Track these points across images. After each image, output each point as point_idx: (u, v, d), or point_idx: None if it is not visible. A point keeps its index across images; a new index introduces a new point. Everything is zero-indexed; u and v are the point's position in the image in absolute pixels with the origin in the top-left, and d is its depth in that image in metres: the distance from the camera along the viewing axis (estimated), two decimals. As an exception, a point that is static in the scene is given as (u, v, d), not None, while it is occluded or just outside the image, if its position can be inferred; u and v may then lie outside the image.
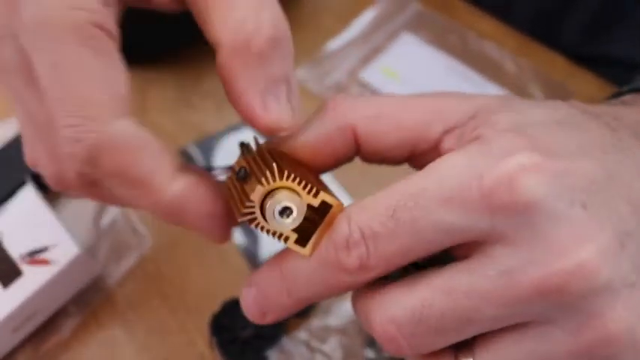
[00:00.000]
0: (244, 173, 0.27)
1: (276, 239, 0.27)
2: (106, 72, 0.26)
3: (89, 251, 0.45)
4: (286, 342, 0.43)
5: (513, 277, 0.25)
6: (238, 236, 0.48)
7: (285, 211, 0.26)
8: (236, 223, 0.29)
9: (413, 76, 0.57)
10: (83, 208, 0.49)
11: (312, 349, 0.43)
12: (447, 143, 0.29)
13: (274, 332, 0.43)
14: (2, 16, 0.28)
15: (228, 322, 0.44)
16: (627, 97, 0.36)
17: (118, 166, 0.26)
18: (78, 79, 0.26)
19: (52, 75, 0.26)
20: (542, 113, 0.28)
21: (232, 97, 0.27)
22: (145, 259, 0.47)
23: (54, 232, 0.43)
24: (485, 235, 0.25)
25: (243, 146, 0.30)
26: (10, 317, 0.41)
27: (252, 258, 0.47)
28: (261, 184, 0.25)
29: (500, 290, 0.25)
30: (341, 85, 0.56)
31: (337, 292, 0.28)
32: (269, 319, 0.29)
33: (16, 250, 0.43)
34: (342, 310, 0.44)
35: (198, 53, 0.55)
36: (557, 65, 0.58)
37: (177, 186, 0.26)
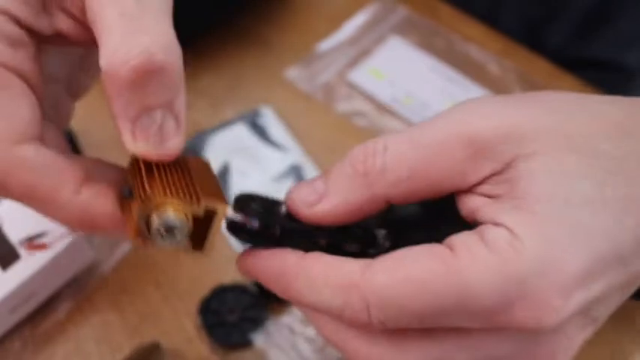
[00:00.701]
0: (128, 192, 0.27)
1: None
2: (5, 104, 0.27)
3: (84, 238, 0.47)
4: (270, 325, 0.45)
5: None
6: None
7: (171, 230, 0.25)
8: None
9: (400, 77, 0.59)
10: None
11: (294, 333, 0.45)
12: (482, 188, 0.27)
13: (259, 316, 0.45)
14: None
15: (216, 307, 0.46)
16: None
17: (24, 186, 0.27)
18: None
19: None
20: (589, 175, 0.26)
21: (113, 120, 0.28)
22: (137, 248, 0.49)
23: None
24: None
25: (132, 160, 0.29)
26: (8, 298, 0.43)
27: (240, 246, 0.49)
28: (138, 202, 0.25)
29: None
30: (330, 85, 0.58)
31: None
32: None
33: (15, 235, 0.45)
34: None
35: (193, 53, 0.57)
36: (540, 68, 0.60)
37: (80, 199, 0.27)
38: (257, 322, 0.45)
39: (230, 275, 0.47)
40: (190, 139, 0.54)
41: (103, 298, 0.47)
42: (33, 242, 0.45)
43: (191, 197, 0.26)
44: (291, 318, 0.45)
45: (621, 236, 0.26)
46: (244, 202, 0.28)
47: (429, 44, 0.61)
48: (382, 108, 0.57)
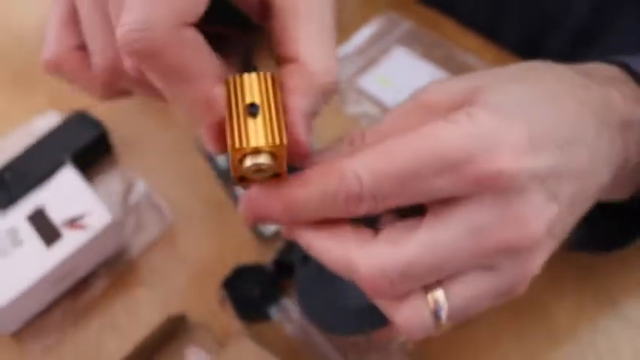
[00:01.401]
0: (255, 110, 0.30)
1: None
2: None
3: (119, 222, 0.52)
4: (286, 301, 0.50)
5: (482, 233, 0.31)
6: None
7: (259, 170, 0.30)
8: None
9: (404, 84, 0.65)
10: (113, 188, 0.56)
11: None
12: None
13: (276, 293, 0.50)
14: None
15: (237, 284, 0.50)
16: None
17: (176, 63, 0.29)
18: None
19: None
20: (526, 91, 0.33)
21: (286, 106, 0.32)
22: (165, 232, 0.54)
23: (90, 203, 0.50)
24: (463, 197, 0.31)
25: (247, 57, 0.33)
26: (51, 272, 0.48)
27: (258, 231, 0.53)
28: (267, 139, 0.29)
29: (472, 245, 0.32)
30: (341, 90, 0.64)
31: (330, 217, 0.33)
32: (258, 224, 0.35)
33: (57, 217, 0.50)
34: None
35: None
36: (532, 76, 0.65)
37: (214, 92, 0.30)
38: (274, 299, 0.50)
39: (249, 256, 0.52)
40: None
41: (133, 276, 0.52)
42: (74, 223, 0.50)
43: (272, 133, 0.29)
44: (304, 294, 0.50)
45: (560, 120, 0.33)
46: None
47: (430, 54, 0.67)
48: (388, 110, 0.62)
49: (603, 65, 0.42)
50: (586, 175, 0.34)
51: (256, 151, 0.29)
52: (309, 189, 0.32)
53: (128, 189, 0.56)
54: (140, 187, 0.56)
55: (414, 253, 0.31)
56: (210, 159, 0.57)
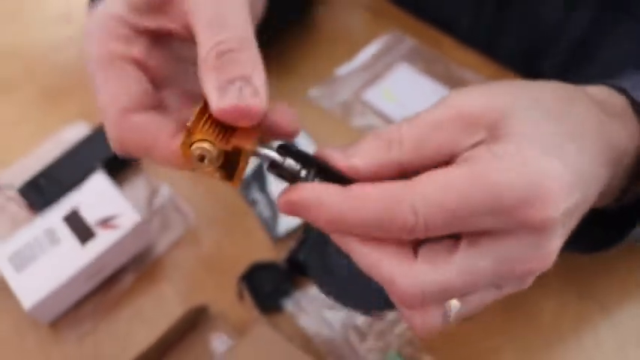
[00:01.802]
0: (188, 124, 0.34)
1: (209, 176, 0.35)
2: (121, 84, 0.37)
3: (146, 223, 0.57)
4: (298, 295, 0.55)
5: (514, 263, 0.35)
6: (263, 210, 0.60)
7: (202, 158, 0.33)
8: None
9: (406, 97, 0.70)
10: (139, 193, 0.61)
11: (318, 301, 0.55)
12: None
13: (289, 288, 0.55)
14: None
15: (253, 279, 0.55)
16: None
17: (136, 143, 0.36)
18: (101, 87, 0.37)
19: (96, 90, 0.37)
20: (557, 128, 0.36)
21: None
22: (188, 232, 0.59)
23: (120, 205, 0.56)
24: (503, 231, 0.34)
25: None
26: (85, 268, 0.53)
27: (271, 231, 0.59)
28: (186, 136, 0.33)
29: (502, 271, 0.35)
30: (347, 103, 0.69)
31: None
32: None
33: (90, 218, 0.55)
34: (343, 273, 0.56)
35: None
36: (526, 91, 0.70)
37: (174, 144, 0.35)
38: (286, 293, 0.55)
39: (264, 255, 0.57)
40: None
41: (158, 272, 0.57)
42: (106, 223, 0.55)
43: (223, 137, 0.33)
44: (315, 289, 0.55)
45: (584, 161, 0.36)
46: (285, 148, 0.35)
47: (431, 70, 0.72)
48: (391, 123, 0.67)
49: (610, 94, 0.45)
50: (589, 204, 0.38)
51: (191, 146, 0.33)
52: (367, 212, 0.33)
53: (153, 194, 0.61)
54: (164, 191, 0.61)
55: (451, 277, 0.34)
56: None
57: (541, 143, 0.34)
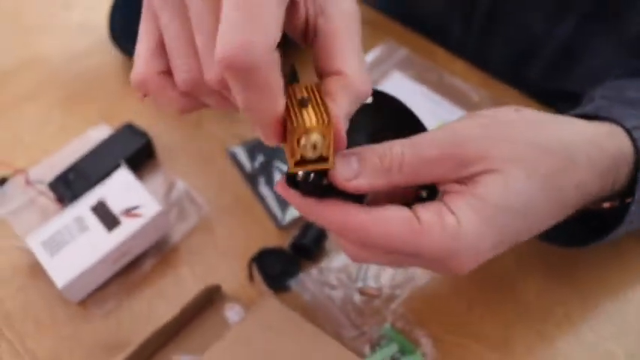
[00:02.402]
0: (306, 102, 0.37)
1: (286, 152, 0.38)
2: (281, 12, 0.34)
3: (165, 212, 0.63)
4: (303, 276, 0.61)
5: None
6: (270, 202, 0.66)
7: (314, 147, 0.37)
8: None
9: (400, 102, 0.76)
10: (157, 187, 0.68)
11: (320, 280, 0.61)
12: None
13: (294, 270, 0.61)
14: None
15: (262, 263, 0.62)
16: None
17: (265, 78, 0.34)
18: (265, 6, 0.33)
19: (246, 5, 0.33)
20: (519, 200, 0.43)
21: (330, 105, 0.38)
22: (202, 221, 0.66)
23: (142, 196, 0.62)
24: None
25: (293, 73, 0.41)
26: (112, 252, 0.60)
27: (277, 221, 0.65)
28: (318, 121, 0.36)
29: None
30: (346, 107, 0.75)
31: None
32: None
33: (116, 208, 0.62)
34: (342, 257, 0.62)
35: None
36: (510, 95, 0.76)
37: (282, 101, 0.36)
38: (292, 274, 0.61)
39: (271, 241, 0.64)
40: (242, 144, 0.71)
41: (176, 257, 0.64)
42: (130, 212, 0.61)
43: (327, 121, 0.36)
44: (316, 270, 0.61)
45: (520, 231, 0.44)
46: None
47: (423, 78, 0.78)
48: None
49: (617, 142, 0.50)
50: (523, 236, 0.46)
51: (309, 132, 0.37)
52: (387, 239, 0.42)
53: (170, 187, 0.67)
54: (180, 185, 0.67)
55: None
56: (238, 163, 0.69)
57: (490, 218, 0.42)
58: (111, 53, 0.80)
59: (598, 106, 0.55)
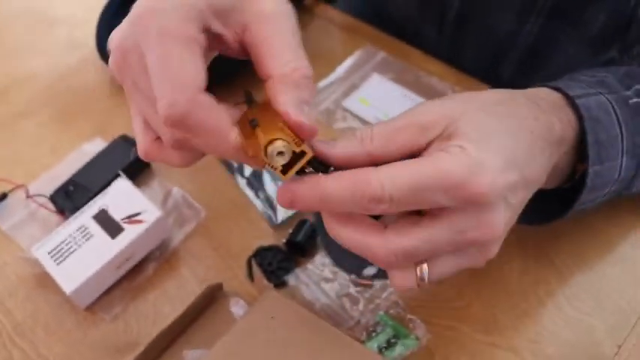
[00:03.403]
0: (255, 123, 0.41)
1: (269, 168, 0.41)
2: (195, 64, 0.40)
3: (165, 217, 0.66)
4: (298, 272, 0.65)
5: (465, 233, 0.45)
6: (260, 205, 0.69)
7: (280, 154, 0.40)
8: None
9: (380, 103, 0.80)
10: (154, 195, 0.71)
11: (315, 275, 0.64)
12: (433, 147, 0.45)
13: (290, 266, 0.65)
14: (134, 32, 0.41)
15: (259, 260, 0.65)
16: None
17: (199, 123, 0.40)
18: (177, 65, 0.39)
19: (159, 63, 0.40)
20: (495, 126, 0.46)
21: (276, 108, 0.42)
22: (199, 225, 0.69)
23: (142, 203, 0.65)
24: (454, 207, 0.44)
25: (248, 97, 0.46)
26: (116, 258, 0.62)
27: (271, 221, 0.68)
28: (270, 134, 0.39)
29: (457, 239, 0.46)
30: (329, 110, 0.79)
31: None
32: (294, 209, 0.48)
33: (118, 216, 0.64)
34: (335, 252, 0.66)
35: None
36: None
37: (233, 134, 0.42)
38: (288, 270, 0.64)
39: (266, 240, 0.67)
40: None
41: (177, 259, 0.67)
42: (132, 219, 0.64)
43: (296, 140, 0.40)
44: (312, 265, 0.65)
45: (514, 149, 0.46)
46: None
47: (401, 79, 0.82)
48: (368, 124, 0.77)
49: (548, 93, 0.55)
50: (533, 184, 0.49)
51: (265, 147, 0.40)
52: (343, 188, 0.43)
53: (166, 195, 0.70)
54: (176, 192, 0.70)
55: (415, 243, 0.44)
56: (231, 170, 0.72)
57: (480, 140, 0.44)
58: (100, 68, 0.83)
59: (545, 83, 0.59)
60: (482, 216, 0.45)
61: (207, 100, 0.41)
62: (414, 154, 0.46)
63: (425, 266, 0.47)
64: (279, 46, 0.43)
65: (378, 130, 0.46)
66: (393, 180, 0.42)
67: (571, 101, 0.54)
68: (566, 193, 0.58)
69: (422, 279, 0.48)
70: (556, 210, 0.59)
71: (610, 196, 0.59)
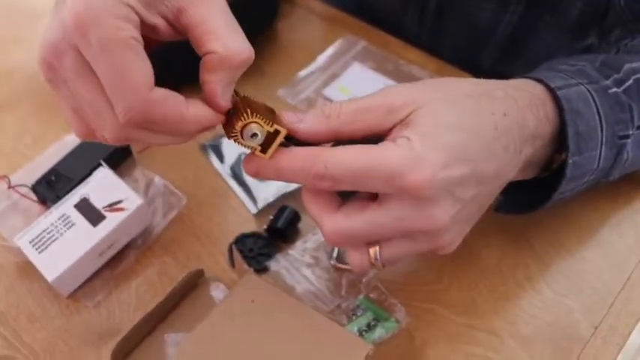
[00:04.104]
0: (232, 111, 0.46)
1: (248, 149, 0.47)
2: (141, 64, 0.41)
3: (146, 205, 0.67)
4: (279, 257, 0.65)
5: (404, 221, 0.48)
6: (240, 192, 0.70)
7: (254, 135, 0.46)
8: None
9: (360, 92, 0.79)
10: (136, 184, 0.71)
11: (296, 260, 0.65)
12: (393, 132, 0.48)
13: (271, 251, 0.65)
14: (70, 37, 0.41)
15: (240, 247, 0.66)
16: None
17: (160, 116, 0.43)
18: (127, 70, 0.41)
19: (110, 72, 0.41)
20: (453, 121, 0.48)
21: (204, 85, 0.45)
22: (181, 213, 0.69)
23: (123, 191, 0.65)
24: (396, 195, 0.47)
25: (235, 92, 0.48)
26: (98, 245, 0.63)
27: (251, 208, 0.69)
28: (241, 120, 0.45)
29: (397, 226, 0.48)
30: (310, 99, 0.79)
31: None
32: (258, 178, 0.50)
33: (99, 204, 0.65)
34: (316, 238, 0.66)
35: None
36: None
37: (191, 112, 0.44)
38: (269, 256, 0.65)
39: (247, 227, 0.67)
40: (212, 140, 0.75)
41: (159, 247, 0.67)
42: (113, 207, 0.64)
43: (268, 121, 0.45)
44: (293, 251, 0.65)
45: (467, 145, 0.48)
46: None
47: (381, 68, 0.82)
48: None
49: (531, 85, 0.56)
50: (491, 180, 0.51)
51: (244, 128, 0.46)
52: (294, 163, 0.47)
53: (148, 184, 0.71)
54: (158, 181, 0.71)
55: (359, 225, 0.49)
56: (211, 158, 0.73)
57: (429, 134, 0.46)
58: (82, 60, 0.83)
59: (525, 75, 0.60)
60: (423, 207, 0.48)
61: (160, 93, 0.43)
62: (377, 135, 0.49)
63: (377, 248, 0.51)
64: (219, 27, 0.44)
65: (345, 108, 0.49)
66: (338, 162, 0.46)
67: (552, 93, 0.55)
68: (545, 183, 0.59)
69: (376, 259, 0.51)
70: (535, 199, 0.60)
71: (588, 184, 0.60)
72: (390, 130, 0.49)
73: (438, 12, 0.86)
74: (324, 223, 0.50)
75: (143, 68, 0.42)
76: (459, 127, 0.48)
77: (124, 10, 0.41)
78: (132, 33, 0.41)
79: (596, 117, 0.56)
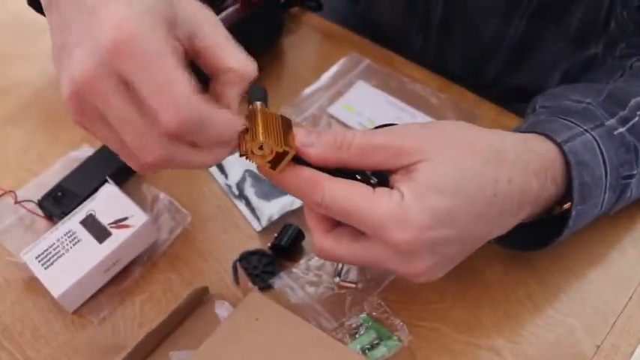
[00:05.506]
0: (245, 129, 0.48)
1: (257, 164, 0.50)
2: (185, 69, 0.43)
3: (152, 222, 0.67)
4: (283, 275, 0.66)
5: (385, 262, 0.52)
6: (244, 210, 0.71)
7: (260, 149, 0.48)
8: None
9: (365, 110, 0.81)
10: (141, 201, 0.72)
11: (300, 278, 0.65)
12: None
13: (275, 269, 0.66)
14: (111, 60, 0.42)
15: (244, 265, 0.66)
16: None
17: (208, 112, 0.44)
18: (176, 76, 0.42)
19: (157, 82, 0.42)
20: (451, 186, 0.50)
21: (222, 99, 0.48)
22: (186, 230, 0.70)
23: (129, 209, 0.66)
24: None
25: (263, 94, 0.52)
26: (103, 262, 0.63)
27: (255, 226, 0.69)
28: (252, 139, 0.48)
29: (378, 262, 0.52)
30: (315, 116, 0.80)
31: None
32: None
33: (105, 220, 0.65)
34: (320, 255, 0.67)
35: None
36: (467, 97, 0.81)
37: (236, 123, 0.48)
38: (273, 273, 0.65)
39: (251, 245, 0.68)
40: (217, 156, 0.75)
41: (164, 263, 0.68)
42: (119, 223, 0.65)
43: (276, 141, 0.48)
44: (297, 269, 0.66)
45: (457, 211, 0.50)
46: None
47: (385, 85, 0.83)
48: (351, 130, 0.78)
49: (541, 142, 0.56)
50: (477, 239, 0.54)
51: (250, 151, 0.49)
52: (295, 181, 0.51)
53: (153, 200, 0.71)
54: (163, 198, 0.71)
55: (344, 253, 0.53)
56: (216, 176, 0.73)
57: (423, 195, 0.49)
58: (88, 77, 0.83)
59: (534, 122, 0.60)
60: (403, 257, 0.51)
61: (205, 97, 0.45)
62: (383, 171, 0.51)
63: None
64: (227, 44, 0.47)
65: (357, 142, 0.50)
66: (333, 197, 0.49)
67: (559, 147, 0.56)
68: (548, 223, 0.60)
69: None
70: (535, 237, 0.61)
71: (590, 222, 0.61)
72: (395, 170, 0.51)
73: (442, 27, 0.86)
74: (315, 240, 0.54)
75: (188, 73, 0.43)
76: (453, 193, 0.49)
77: (163, 26, 0.43)
78: (174, 42, 0.44)
79: (602, 166, 0.57)
